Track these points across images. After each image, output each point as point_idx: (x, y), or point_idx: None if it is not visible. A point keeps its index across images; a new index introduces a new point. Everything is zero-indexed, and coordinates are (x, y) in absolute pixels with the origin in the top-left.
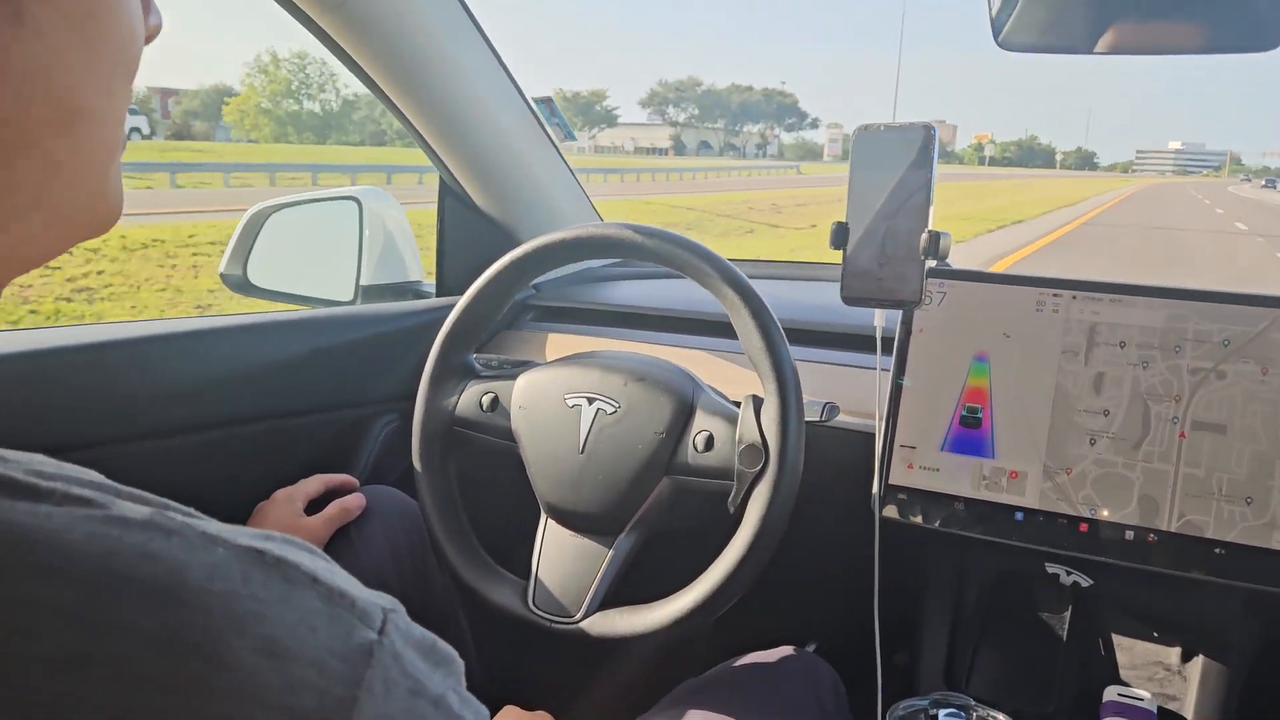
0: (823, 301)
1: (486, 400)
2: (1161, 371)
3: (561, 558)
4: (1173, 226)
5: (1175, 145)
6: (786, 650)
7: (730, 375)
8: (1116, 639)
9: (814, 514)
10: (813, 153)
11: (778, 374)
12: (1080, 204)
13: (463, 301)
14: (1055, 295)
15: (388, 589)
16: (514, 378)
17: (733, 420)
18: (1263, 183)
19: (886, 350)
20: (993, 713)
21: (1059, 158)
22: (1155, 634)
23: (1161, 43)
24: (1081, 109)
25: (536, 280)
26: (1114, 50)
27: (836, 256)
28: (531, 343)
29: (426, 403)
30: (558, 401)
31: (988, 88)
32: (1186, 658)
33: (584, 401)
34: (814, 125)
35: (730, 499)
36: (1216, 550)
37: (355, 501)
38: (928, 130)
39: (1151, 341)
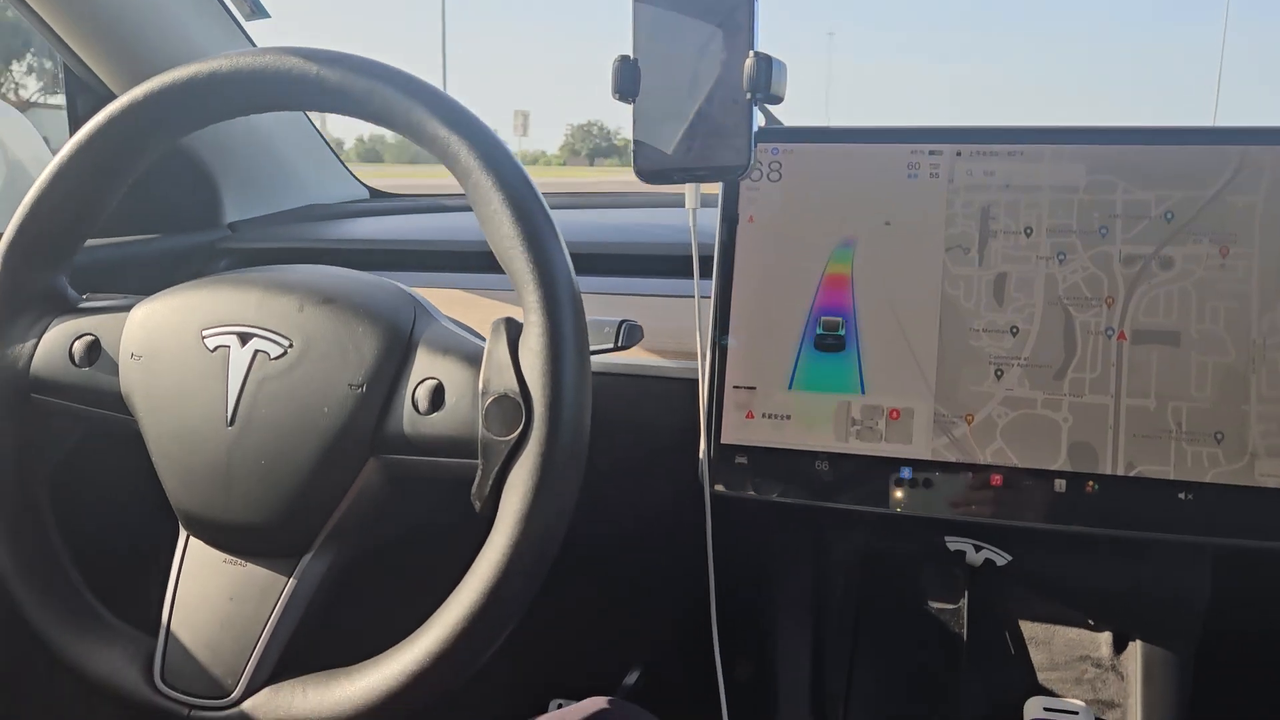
0: (627, 222)
1: (80, 346)
2: (1085, 264)
3: (210, 598)
4: None
5: None
6: (594, 704)
7: (495, 314)
8: (1028, 629)
9: (626, 497)
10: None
11: (542, 275)
12: None
13: (33, 190)
14: (933, 153)
15: None
16: (128, 310)
17: (475, 360)
18: None
19: (707, 267)
20: None
21: None
22: (1079, 618)
23: None
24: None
25: (234, 219)
26: None
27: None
28: None
29: None
30: (191, 342)
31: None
32: (1120, 646)
33: (233, 339)
34: None
35: (475, 488)
36: (1181, 496)
37: None
38: None
39: (1068, 224)
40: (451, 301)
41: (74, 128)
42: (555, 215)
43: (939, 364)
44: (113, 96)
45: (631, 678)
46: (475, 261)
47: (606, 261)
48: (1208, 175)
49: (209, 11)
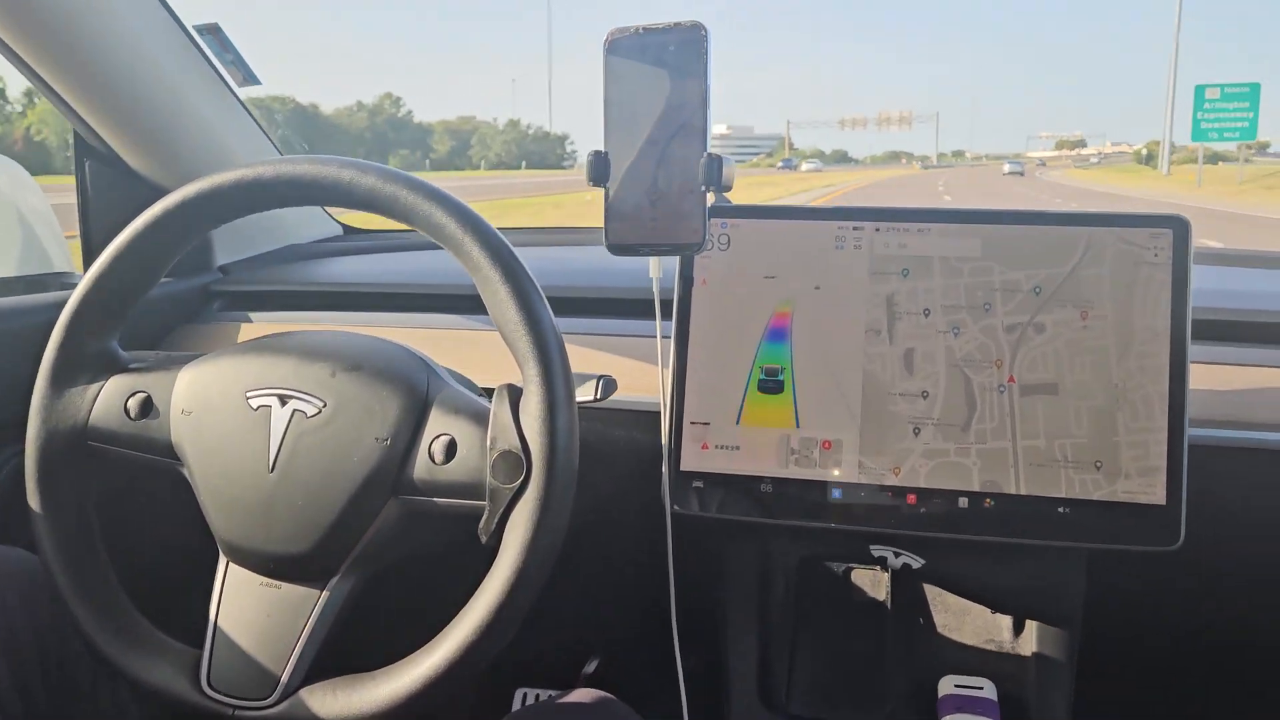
0: (592, 265)
1: (135, 403)
2: (975, 335)
3: (250, 615)
4: None
5: (721, 130)
6: (577, 696)
7: (486, 361)
8: (940, 619)
9: (594, 511)
10: None
11: (540, 352)
12: None
13: (95, 267)
14: (856, 229)
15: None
16: (176, 368)
17: (482, 419)
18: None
19: (668, 314)
20: None
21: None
22: (982, 609)
23: None
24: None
25: (224, 261)
26: None
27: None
28: (220, 337)
29: (44, 408)
30: (237, 402)
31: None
32: (1019, 630)
33: (274, 400)
34: None
35: (481, 525)
36: (1060, 510)
37: None
38: (698, 30)
39: (958, 303)
40: (450, 344)
41: (80, 183)
42: (532, 254)
43: (863, 425)
44: (117, 159)
45: (590, 667)
46: (447, 303)
47: (578, 304)
48: (1064, 255)
49: (208, 82)
